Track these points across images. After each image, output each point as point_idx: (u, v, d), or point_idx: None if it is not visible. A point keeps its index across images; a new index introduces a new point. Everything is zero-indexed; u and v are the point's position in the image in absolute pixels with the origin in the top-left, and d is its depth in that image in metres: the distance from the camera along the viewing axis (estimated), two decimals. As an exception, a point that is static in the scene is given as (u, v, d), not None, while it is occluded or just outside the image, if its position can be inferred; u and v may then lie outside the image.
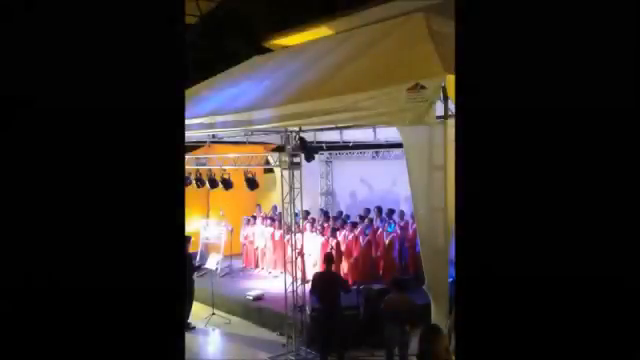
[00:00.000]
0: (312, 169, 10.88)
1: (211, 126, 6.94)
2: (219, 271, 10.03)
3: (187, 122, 6.79)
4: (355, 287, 7.47)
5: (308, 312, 6.91)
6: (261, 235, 10.55)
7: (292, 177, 6.62)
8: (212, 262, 8.95)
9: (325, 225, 9.66)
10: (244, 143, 8.78)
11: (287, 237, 6.86)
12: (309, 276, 7.63)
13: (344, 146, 10.33)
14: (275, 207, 10.78)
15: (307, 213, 9.86)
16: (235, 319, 8.38)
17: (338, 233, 9.10)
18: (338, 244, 8.86)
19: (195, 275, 8.62)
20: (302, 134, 6.52)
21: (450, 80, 3.97)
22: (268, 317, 7.94)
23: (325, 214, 10.47)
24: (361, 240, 9.00)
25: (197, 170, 9.04)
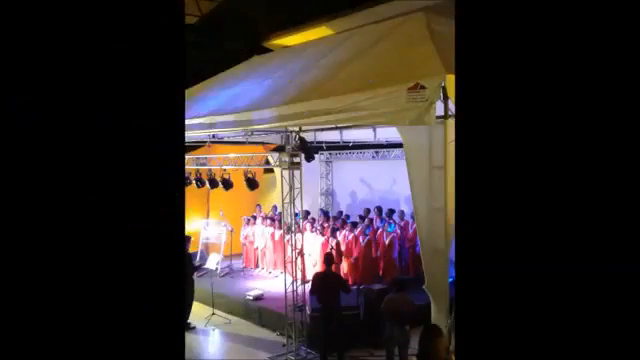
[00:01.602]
0: (312, 169, 10.88)
1: (211, 126, 6.94)
2: (219, 271, 10.03)
3: (187, 122, 6.79)
4: (355, 287, 7.47)
5: (308, 312, 6.91)
6: (261, 235, 10.56)
7: (292, 177, 6.62)
8: (212, 262, 8.96)
9: (325, 225, 9.66)
10: (244, 143, 8.78)
11: (287, 237, 6.86)
12: (309, 276, 7.63)
13: (344, 146, 10.33)
14: (275, 207, 10.78)
15: (307, 213, 9.86)
16: (235, 319, 8.38)
17: (338, 233, 9.10)
18: (338, 244, 8.86)
19: (195, 275, 8.62)
20: (302, 134, 6.53)
21: (450, 80, 3.96)
22: (268, 317, 7.94)
23: (325, 214, 10.47)
24: (361, 240, 9.00)
25: (197, 170, 9.05)
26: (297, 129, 6.42)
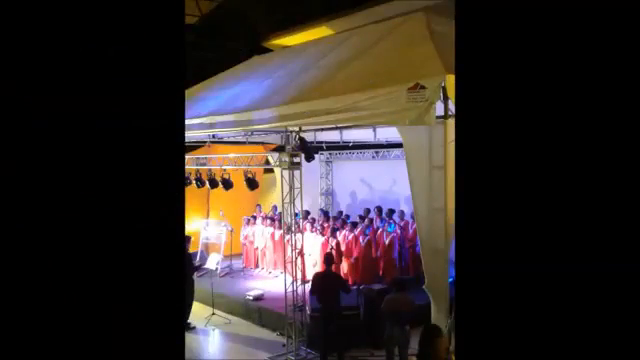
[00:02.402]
0: (312, 169, 10.88)
1: (211, 126, 6.94)
2: (219, 271, 10.03)
3: (187, 122, 6.78)
4: (355, 287, 7.47)
5: (308, 312, 6.91)
6: (261, 235, 10.56)
7: (292, 177, 6.62)
8: (212, 262, 8.96)
9: (325, 225, 9.66)
10: (244, 143, 8.78)
11: (287, 237, 6.86)
12: (309, 276, 7.63)
13: (344, 146, 10.33)
14: (275, 207, 10.78)
15: (307, 213, 9.86)
16: (235, 319, 8.38)
17: (338, 233, 9.10)
18: (338, 244, 8.86)
19: (195, 275, 8.62)
20: (302, 134, 6.53)
21: (450, 80, 3.96)
22: (268, 317, 7.94)
23: (325, 214, 10.47)
24: (361, 240, 9.00)
25: (197, 170, 9.05)
26: (297, 129, 6.42)
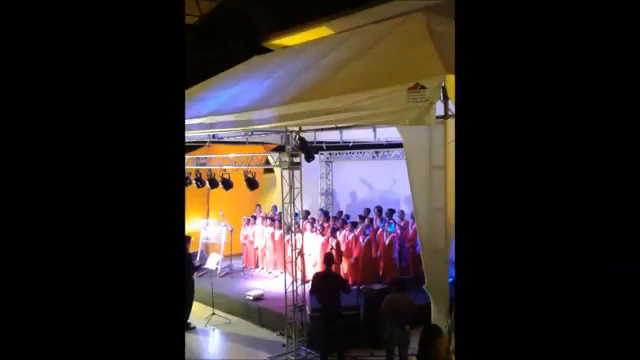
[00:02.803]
0: (312, 169, 10.88)
1: (211, 126, 6.94)
2: (219, 271, 10.03)
3: (187, 122, 6.78)
4: (355, 287, 7.47)
5: (308, 312, 6.91)
6: (261, 235, 10.56)
7: (292, 177, 6.62)
8: (212, 262, 8.96)
9: (325, 225, 9.66)
10: (244, 143, 8.78)
11: (287, 237, 6.86)
12: (309, 276, 7.63)
13: (344, 146, 10.33)
14: (275, 207, 10.79)
15: (307, 213, 9.86)
16: (235, 319, 8.38)
17: (338, 233, 9.10)
18: (338, 244, 8.86)
19: (195, 275, 8.62)
20: (302, 134, 6.53)
21: (450, 80, 3.96)
22: (268, 317, 7.94)
23: (325, 214, 10.47)
24: (361, 240, 9.00)
25: (197, 170, 9.05)
26: (297, 129, 6.42)
